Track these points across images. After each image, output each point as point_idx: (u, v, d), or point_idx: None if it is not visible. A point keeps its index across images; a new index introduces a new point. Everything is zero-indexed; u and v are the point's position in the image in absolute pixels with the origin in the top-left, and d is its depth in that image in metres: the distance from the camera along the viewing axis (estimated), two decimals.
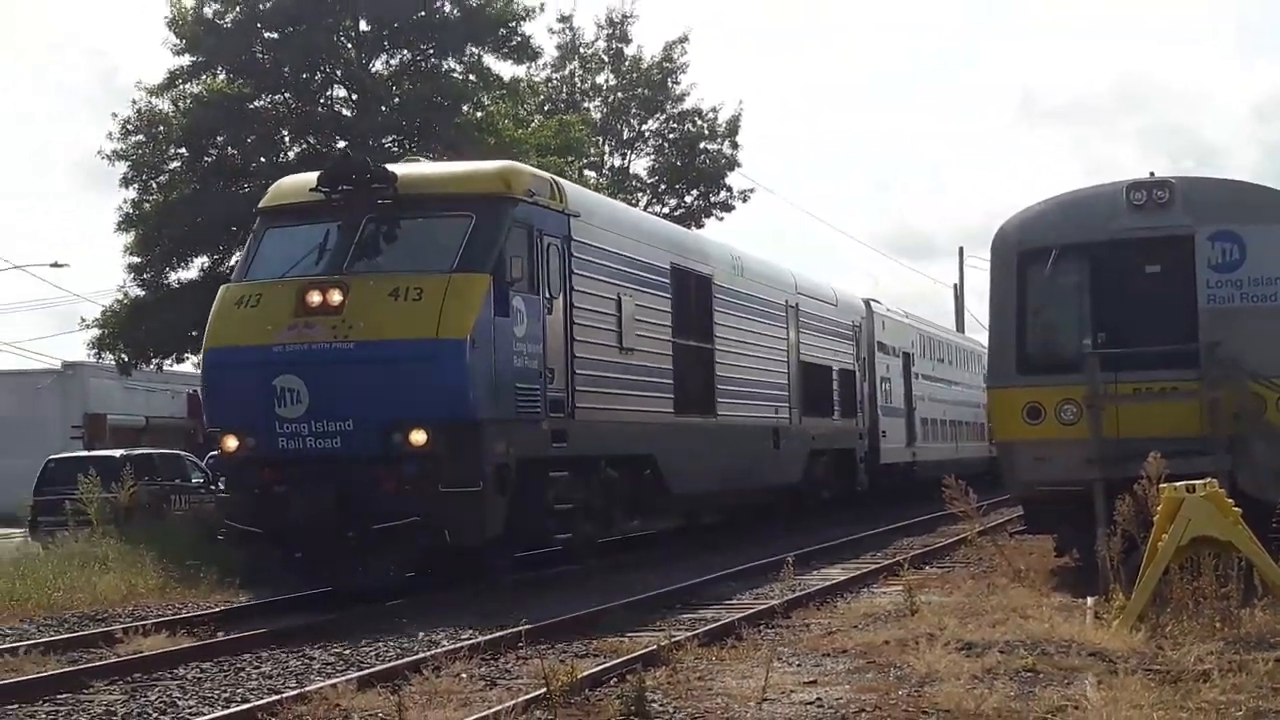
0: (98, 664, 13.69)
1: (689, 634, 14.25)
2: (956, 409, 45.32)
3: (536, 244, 17.66)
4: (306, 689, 11.50)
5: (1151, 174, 19.43)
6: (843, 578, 20.64)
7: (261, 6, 40.63)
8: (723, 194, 52.01)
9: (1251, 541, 13.64)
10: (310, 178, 17.83)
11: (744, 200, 53.35)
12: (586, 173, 43.29)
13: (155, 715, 11.32)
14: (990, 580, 17.93)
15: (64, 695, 12.27)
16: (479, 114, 39.38)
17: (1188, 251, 18.00)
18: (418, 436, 15.53)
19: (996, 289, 19.48)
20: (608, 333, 19.86)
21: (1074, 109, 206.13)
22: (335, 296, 15.90)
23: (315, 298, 15.94)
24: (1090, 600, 15.28)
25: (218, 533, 17.93)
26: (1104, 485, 16.10)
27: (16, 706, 11.65)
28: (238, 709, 11.13)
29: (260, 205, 18.45)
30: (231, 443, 16.39)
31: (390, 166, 18.08)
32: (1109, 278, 18.59)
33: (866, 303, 35.41)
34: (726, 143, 51.97)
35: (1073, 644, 12.87)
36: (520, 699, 10.68)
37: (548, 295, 17.79)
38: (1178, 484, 13.85)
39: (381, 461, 15.81)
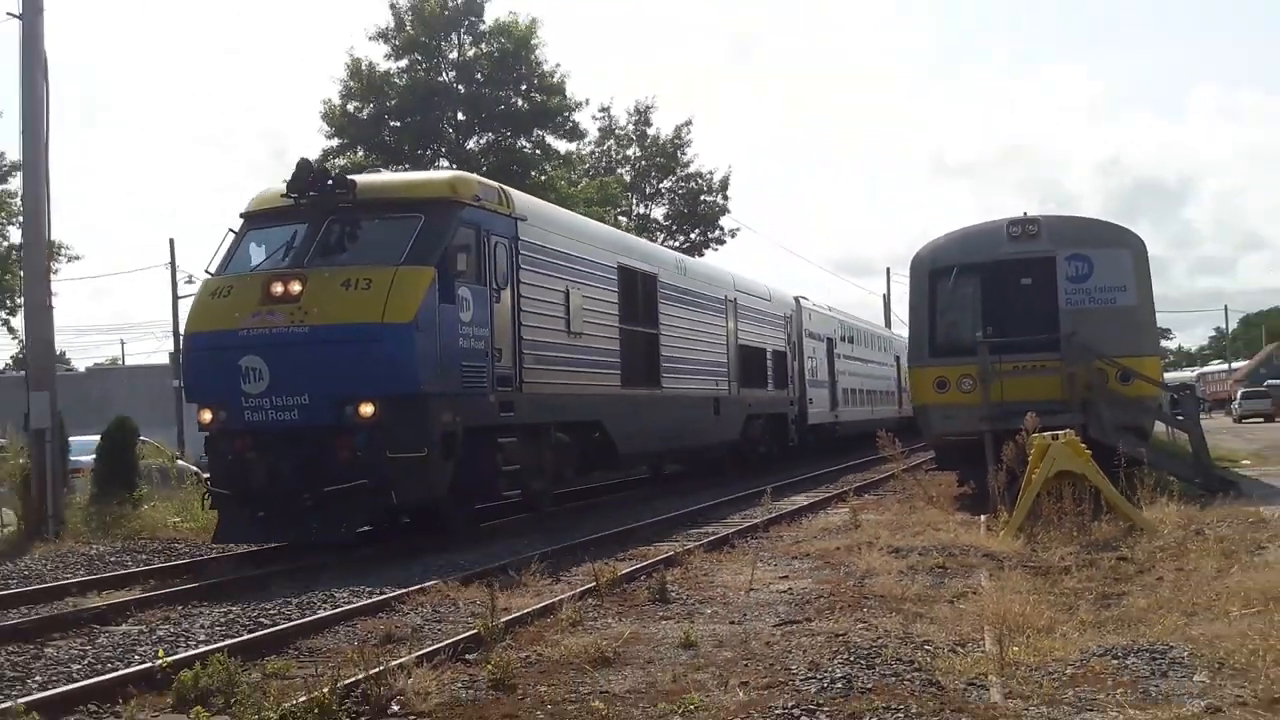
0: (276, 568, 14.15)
1: (696, 544, 15.02)
2: (871, 381, 43.94)
3: (484, 242, 15.73)
4: (426, 584, 11.86)
5: (1025, 214, 20.59)
6: (805, 503, 21.11)
7: (388, 104, 41.49)
8: (717, 232, 53.60)
9: (1099, 474, 14.30)
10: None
11: (732, 236, 58.01)
12: (620, 218, 43.43)
13: (319, 603, 11.54)
14: (911, 504, 18.57)
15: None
16: (543, 178, 40.36)
17: (1051, 269, 18.77)
18: (366, 409, 13.82)
19: (914, 296, 20.08)
20: (556, 319, 17.95)
21: (971, 165, 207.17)
22: (295, 287, 14.23)
23: (278, 288, 14.29)
24: (983, 517, 15.99)
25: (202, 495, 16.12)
26: (992, 435, 17.03)
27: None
28: (379, 598, 11.34)
29: (243, 211, 16.49)
30: (206, 416, 14.64)
31: (351, 175, 16.46)
32: (995, 288, 19.83)
33: (796, 299, 33.77)
34: (719, 195, 55.05)
35: (971, 548, 13.51)
36: (577, 590, 11.28)
37: (495, 286, 15.83)
38: (1045, 433, 14.63)
39: (335, 432, 14.05)
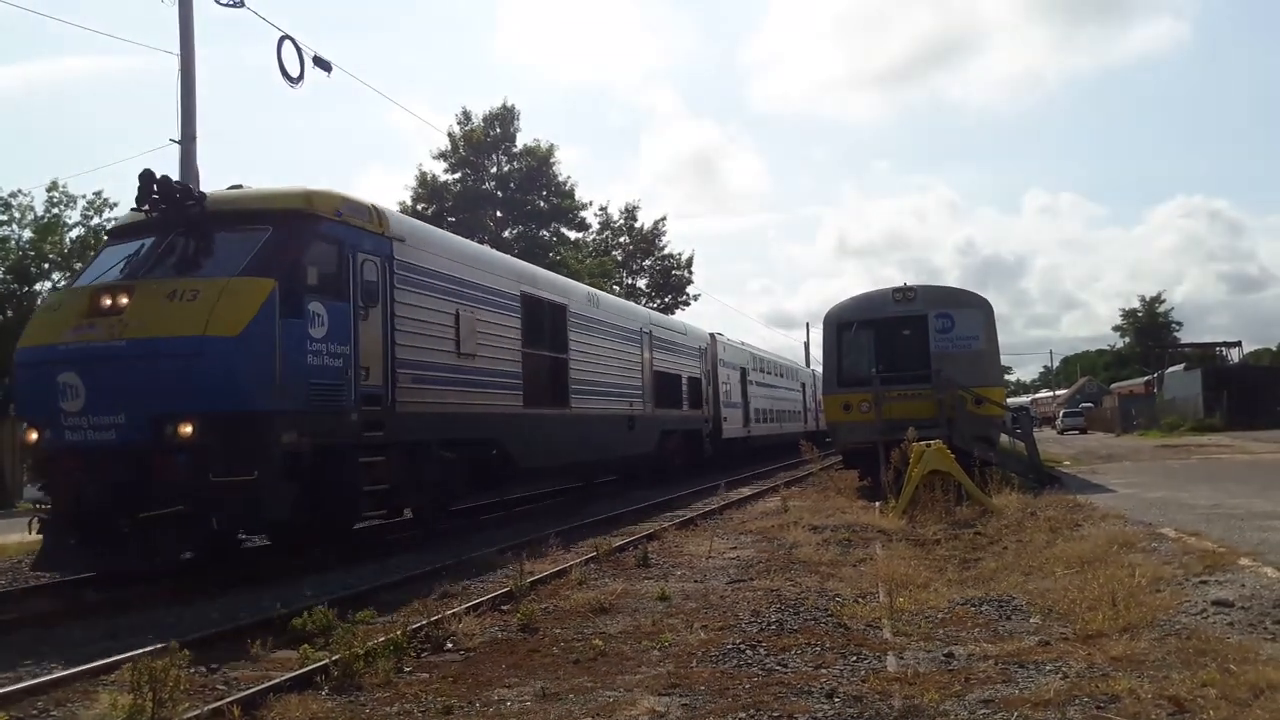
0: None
1: (669, 524, 14.99)
2: (781, 403, 40.60)
3: (348, 258, 11.55)
4: (478, 553, 11.85)
5: (905, 283, 21.04)
6: (750, 493, 20.61)
7: (446, 205, 41.79)
8: (684, 297, 53.73)
9: (960, 472, 14.34)
10: None
11: (695, 299, 56.83)
12: (614, 286, 43.52)
13: (392, 571, 11.18)
14: (825, 494, 18.68)
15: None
16: (558, 257, 40.22)
17: (924, 323, 19.17)
18: (185, 429, 9.75)
19: (826, 343, 20.23)
20: (442, 340, 13.57)
21: (865, 248, 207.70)
22: (122, 299, 10.31)
23: (105, 301, 10.34)
24: (878, 503, 15.91)
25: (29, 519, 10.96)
26: (883, 444, 16.76)
27: None
28: (435, 565, 11.06)
29: (107, 229, 12.94)
30: (32, 435, 10.44)
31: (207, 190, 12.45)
32: (884, 337, 20.42)
33: (712, 335, 30.81)
34: (686, 270, 55.35)
35: (869, 526, 13.66)
36: (583, 557, 11.44)
37: (361, 303, 11.65)
38: (921, 442, 14.78)
39: (156, 452, 9.89)
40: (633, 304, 27.21)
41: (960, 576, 9.27)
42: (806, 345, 78.72)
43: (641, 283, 57.05)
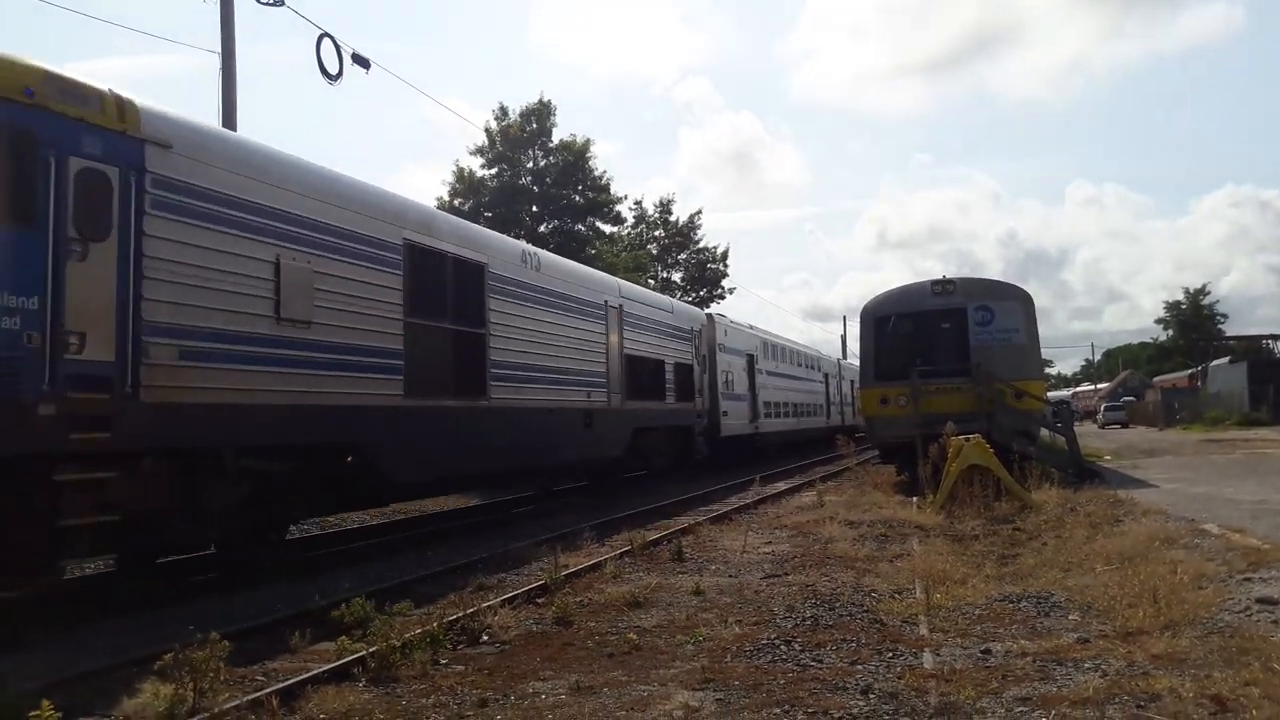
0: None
1: (704, 518, 14.83)
2: (798, 395, 35.78)
3: (46, 162, 7.74)
4: (514, 545, 11.86)
5: (944, 276, 20.29)
6: (785, 488, 20.26)
7: (483, 200, 42.06)
8: (720, 290, 53.64)
9: (999, 467, 14.18)
10: None
11: (731, 293, 54.41)
12: (649, 280, 43.53)
13: (431, 563, 11.04)
14: (861, 489, 18.25)
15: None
16: (593, 251, 40.35)
17: (963, 316, 19.08)
18: None
19: (863, 337, 19.93)
20: (245, 298, 9.47)
21: (906, 241, 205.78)
22: None
23: None
24: (915, 499, 15.65)
25: None
26: (921, 438, 16.82)
27: None
28: (472, 558, 10.96)
29: None
30: None
31: None
32: (922, 330, 20.03)
33: (710, 315, 26.72)
34: (721, 263, 54.38)
35: (905, 521, 13.49)
36: (616, 551, 11.35)
37: (74, 234, 7.84)
38: (960, 437, 14.56)
39: None
40: (595, 271, 21.44)
41: (998, 572, 9.19)
42: (844, 339, 78.47)
43: (677, 276, 57.07)
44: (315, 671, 6.11)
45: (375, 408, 11.43)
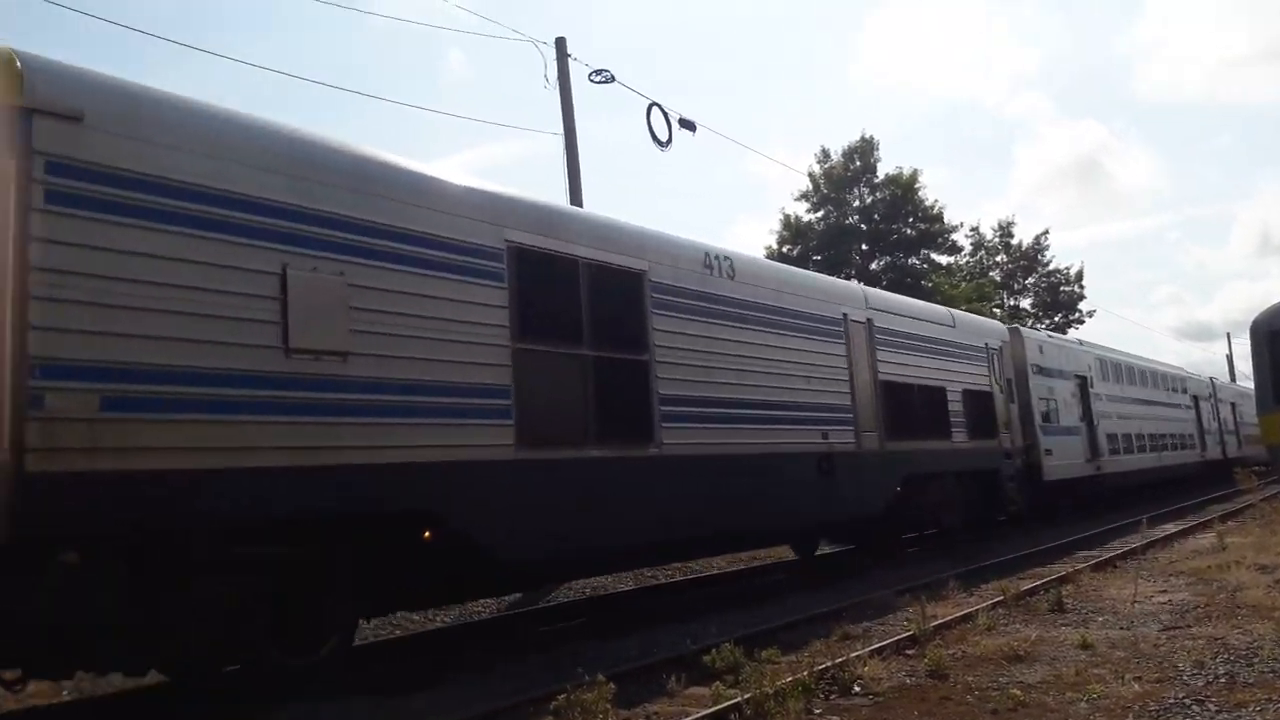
0: None
1: (1083, 565, 13.56)
2: (1156, 424, 29.98)
3: None
4: (868, 596, 11.28)
5: None
6: (1175, 530, 18.02)
7: (810, 244, 42.63)
8: (1076, 314, 50.39)
9: None
10: None
11: (1090, 316, 51.25)
12: (994, 309, 41.67)
13: (791, 610, 10.78)
14: (1271, 528, 15.95)
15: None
16: (929, 285, 39.34)
17: None
18: None
19: (1255, 354, 17.68)
20: (227, 323, 6.90)
21: None
22: None
23: None
24: None
25: None
26: None
27: None
28: (833, 606, 10.61)
29: None
30: None
31: None
32: None
33: (1016, 330, 22.15)
34: (1076, 285, 50.34)
35: None
36: (988, 601, 10.57)
37: None
38: None
39: None
40: (825, 277, 18.15)
41: None
42: (1229, 358, 69.97)
43: (1026, 303, 54.11)
44: (694, 716, 6.35)
45: (466, 464, 8.54)
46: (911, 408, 15.81)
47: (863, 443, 14.31)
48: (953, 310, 19.66)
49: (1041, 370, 22.08)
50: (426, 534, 8.35)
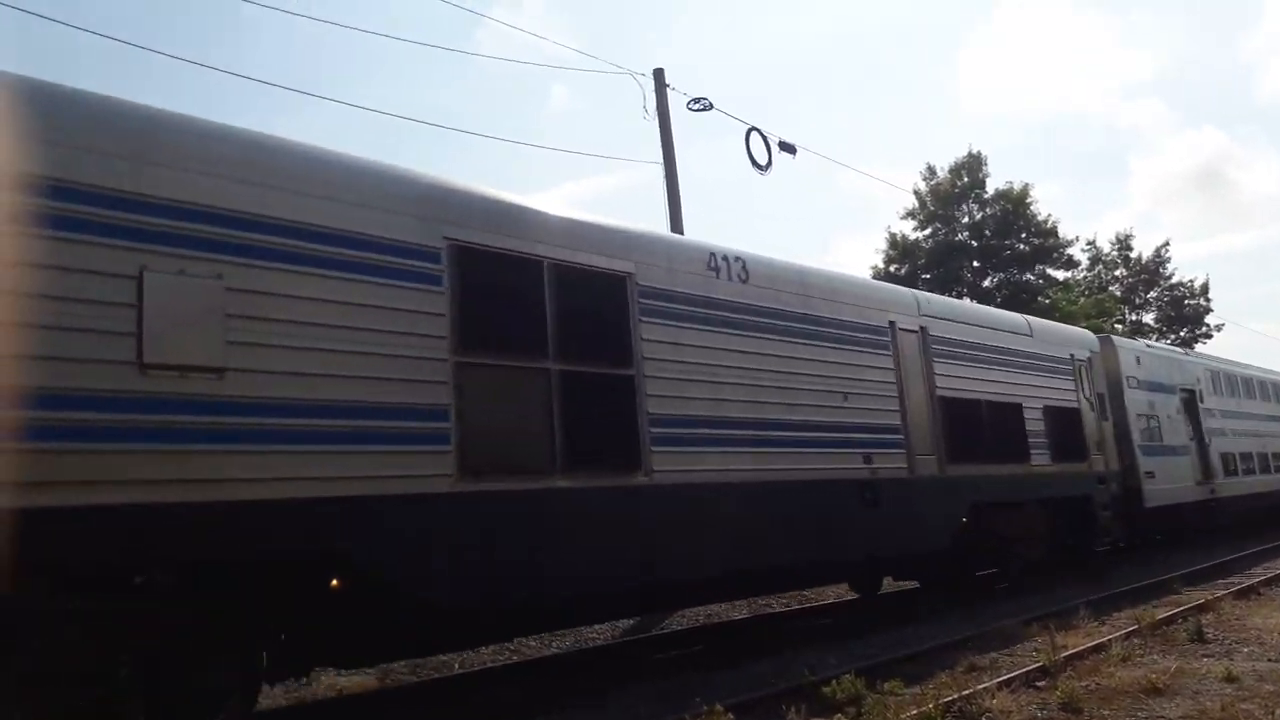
0: None
1: (1225, 592, 13.06)
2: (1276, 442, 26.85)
3: None
4: (990, 626, 10.91)
5: None
6: None
7: (919, 263, 42.06)
8: (1204, 328, 48.38)
9: None
10: None
11: (1218, 330, 48.77)
12: (1115, 325, 40.27)
13: (911, 641, 10.55)
14: None
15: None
16: (1046, 301, 38.43)
17: None
18: None
19: None
20: (58, 335, 5.61)
21: None
22: None
23: None
24: None
25: None
26: None
27: None
28: (958, 636, 10.31)
29: None
30: None
31: None
32: None
33: (1108, 339, 19.73)
34: (1201, 298, 48.20)
35: None
36: (1121, 631, 10.17)
37: None
38: None
39: None
40: (866, 280, 16.36)
41: None
42: None
43: (1149, 318, 52.09)
44: None
45: (390, 498, 7.12)
46: (979, 427, 13.90)
47: (916, 467, 12.47)
48: (1029, 317, 17.21)
49: (1140, 384, 19.88)
50: (334, 581, 7.00)
